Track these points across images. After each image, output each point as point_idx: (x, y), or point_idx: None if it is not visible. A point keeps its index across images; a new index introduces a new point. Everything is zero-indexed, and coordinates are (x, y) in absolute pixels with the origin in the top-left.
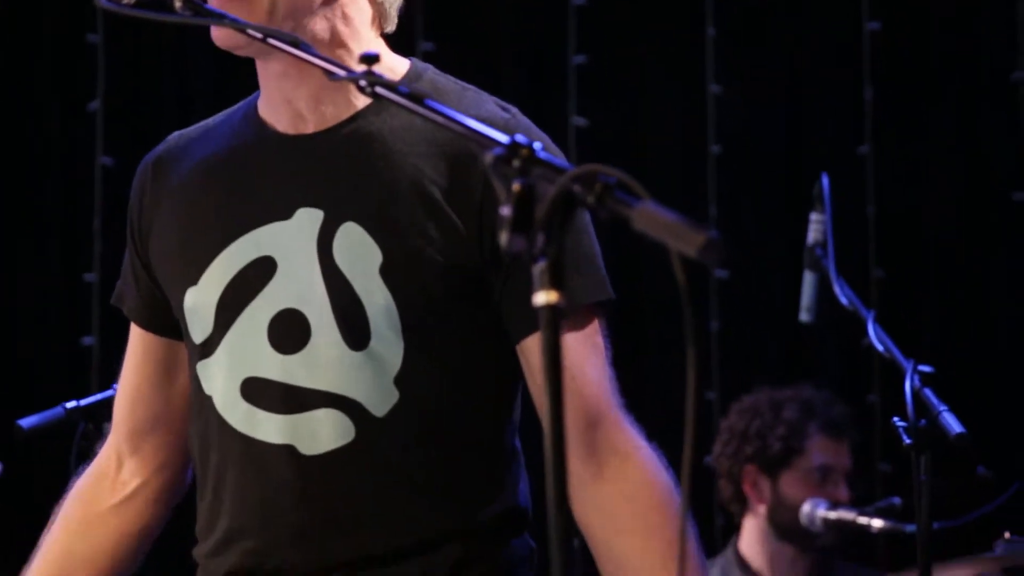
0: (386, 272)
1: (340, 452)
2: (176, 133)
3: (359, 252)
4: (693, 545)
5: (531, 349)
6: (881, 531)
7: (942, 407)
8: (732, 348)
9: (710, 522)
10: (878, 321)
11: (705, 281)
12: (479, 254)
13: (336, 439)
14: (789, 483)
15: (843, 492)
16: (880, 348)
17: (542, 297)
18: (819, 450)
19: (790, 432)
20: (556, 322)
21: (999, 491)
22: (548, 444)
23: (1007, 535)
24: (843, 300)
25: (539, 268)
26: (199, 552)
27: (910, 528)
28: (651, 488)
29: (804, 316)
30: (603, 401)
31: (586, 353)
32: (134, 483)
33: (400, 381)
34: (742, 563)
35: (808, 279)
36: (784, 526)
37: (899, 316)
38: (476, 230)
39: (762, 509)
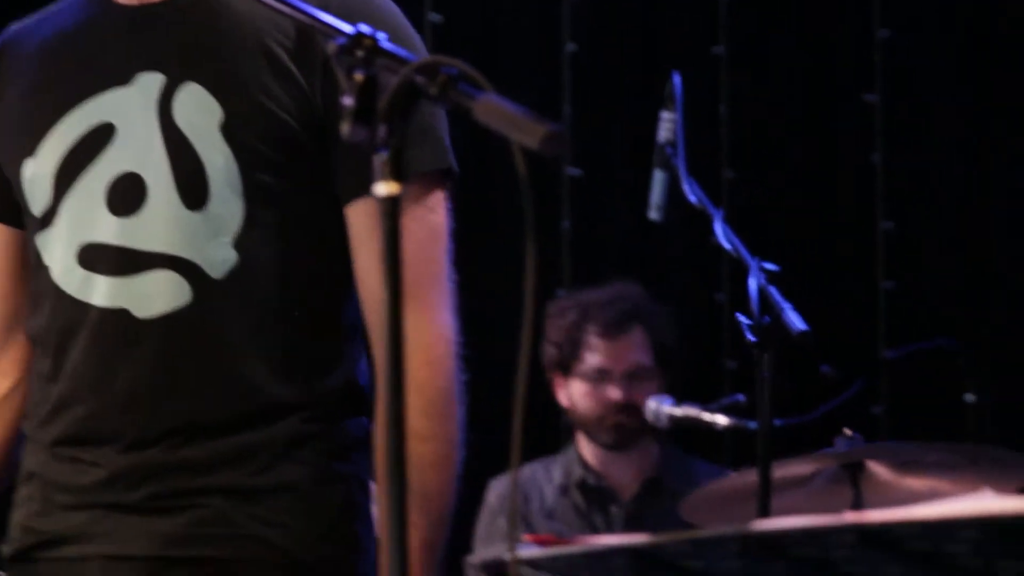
0: (227, 130)
1: (175, 315)
2: (14, 25)
3: (200, 112)
4: (447, 449)
5: (354, 214)
6: (726, 428)
7: (786, 305)
8: (584, 246)
9: None
10: (727, 220)
11: (557, 179)
12: (322, 113)
13: (171, 301)
14: (575, 387)
15: (615, 393)
16: (727, 246)
17: (382, 188)
18: (594, 352)
19: (567, 338)
20: (395, 213)
21: (842, 389)
22: (386, 335)
23: (847, 432)
24: (692, 198)
25: (380, 159)
26: (28, 426)
27: (753, 425)
28: (430, 348)
29: (653, 214)
30: (416, 276)
31: (412, 225)
32: (5, 384)
33: (239, 243)
34: (582, 460)
35: (657, 177)
36: (582, 426)
37: (748, 216)
38: (319, 89)
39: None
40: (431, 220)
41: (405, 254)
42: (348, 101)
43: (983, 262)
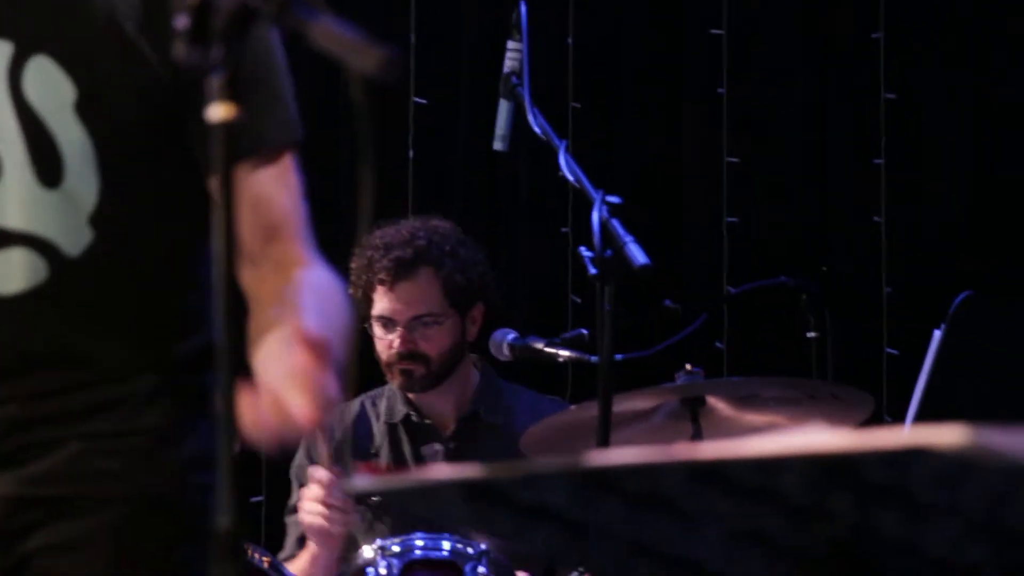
0: (80, 109)
1: (32, 293)
2: None
3: (51, 88)
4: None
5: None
6: (568, 360)
7: (628, 238)
8: (426, 177)
9: None
10: (573, 153)
11: (405, 109)
12: (174, 88)
13: (28, 279)
14: (373, 330)
15: (397, 342)
16: (570, 178)
17: (216, 111)
18: (380, 299)
19: (358, 285)
20: (230, 139)
21: (685, 324)
22: (217, 284)
23: (688, 367)
24: (536, 129)
25: (215, 81)
26: None
27: (595, 359)
28: (320, 274)
29: (498, 144)
30: (288, 222)
31: (276, 185)
32: None
33: (95, 220)
34: (404, 396)
35: (503, 107)
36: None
37: (594, 149)
38: (171, 63)
39: None
40: (291, 182)
41: (276, 208)
42: (182, 22)
43: (827, 198)
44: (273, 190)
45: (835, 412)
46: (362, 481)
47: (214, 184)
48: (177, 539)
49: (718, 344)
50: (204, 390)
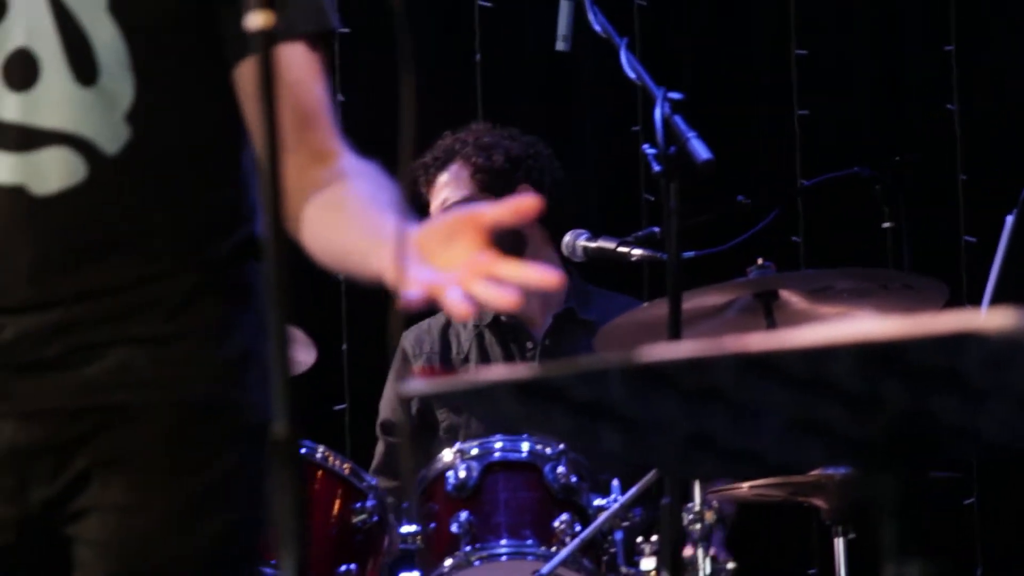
0: (113, 7)
1: (71, 191)
2: None
3: None
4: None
5: (244, 75)
6: (639, 259)
7: (691, 134)
8: (495, 77)
9: None
10: (639, 49)
11: (471, 12)
12: None
13: (66, 178)
14: None
15: None
16: (632, 76)
17: (254, 19)
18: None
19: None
20: (269, 46)
21: (758, 219)
22: (263, 182)
23: (760, 261)
24: (596, 28)
25: None
26: None
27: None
28: (361, 167)
29: (560, 45)
30: (321, 110)
31: (308, 72)
32: None
33: (131, 117)
34: None
35: (564, 7)
36: None
37: (660, 44)
38: None
39: None
40: (321, 72)
41: (309, 94)
42: None
43: (898, 86)
44: (306, 76)
45: (909, 302)
46: (417, 384)
47: (244, 72)
48: (231, 440)
49: (794, 238)
50: (248, 284)
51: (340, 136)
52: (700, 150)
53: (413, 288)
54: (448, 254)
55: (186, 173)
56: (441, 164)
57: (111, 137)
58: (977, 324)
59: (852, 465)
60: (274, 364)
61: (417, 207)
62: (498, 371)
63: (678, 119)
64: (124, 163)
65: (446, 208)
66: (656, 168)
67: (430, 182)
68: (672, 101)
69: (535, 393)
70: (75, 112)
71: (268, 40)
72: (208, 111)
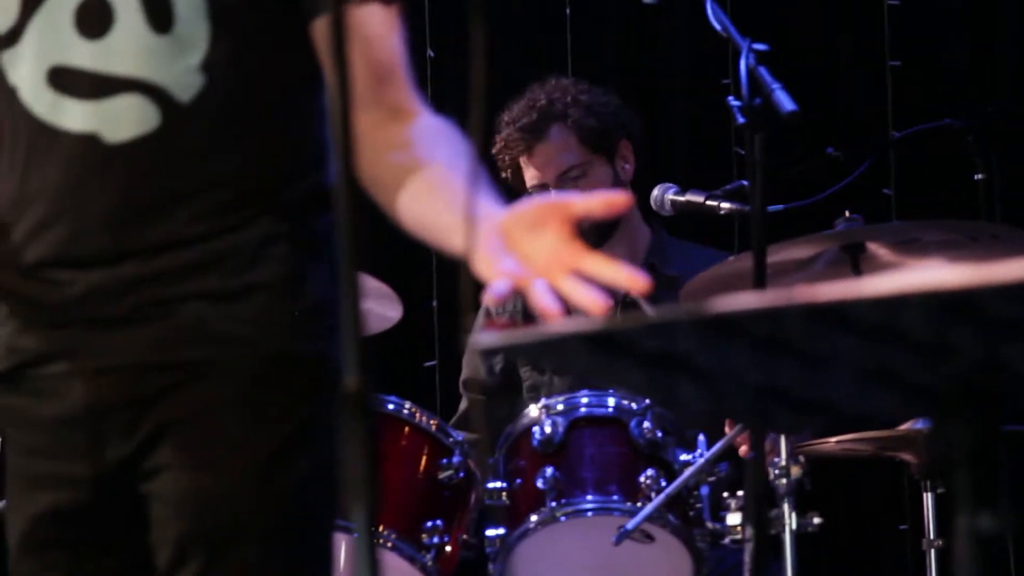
0: None
1: (144, 139)
2: None
3: None
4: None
5: (320, 30)
6: (728, 212)
7: (775, 85)
8: (583, 35)
9: None
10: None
11: None
12: None
13: (139, 125)
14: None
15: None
16: (718, 27)
17: None
18: (527, 170)
19: (507, 167)
20: (342, 19)
21: (849, 171)
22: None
23: (847, 213)
24: None
25: None
26: (1, 250)
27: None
28: (439, 127)
29: None
30: (396, 64)
31: (385, 26)
32: None
33: (206, 66)
34: None
35: None
36: None
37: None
38: None
39: None
40: (399, 27)
41: (387, 49)
42: None
43: (991, 35)
44: (383, 31)
45: (998, 253)
46: (488, 337)
47: (320, 27)
48: (306, 393)
49: (885, 190)
50: (321, 233)
51: (417, 92)
52: (785, 101)
53: (499, 280)
54: (535, 244)
55: (259, 123)
56: (540, 128)
57: (185, 85)
58: None
59: (924, 416)
60: (345, 317)
61: (491, 167)
62: (569, 323)
63: (763, 70)
64: (197, 111)
65: (562, 174)
66: (741, 120)
67: (530, 147)
68: (757, 52)
69: (606, 345)
70: (149, 59)
71: (342, 14)
72: (283, 62)
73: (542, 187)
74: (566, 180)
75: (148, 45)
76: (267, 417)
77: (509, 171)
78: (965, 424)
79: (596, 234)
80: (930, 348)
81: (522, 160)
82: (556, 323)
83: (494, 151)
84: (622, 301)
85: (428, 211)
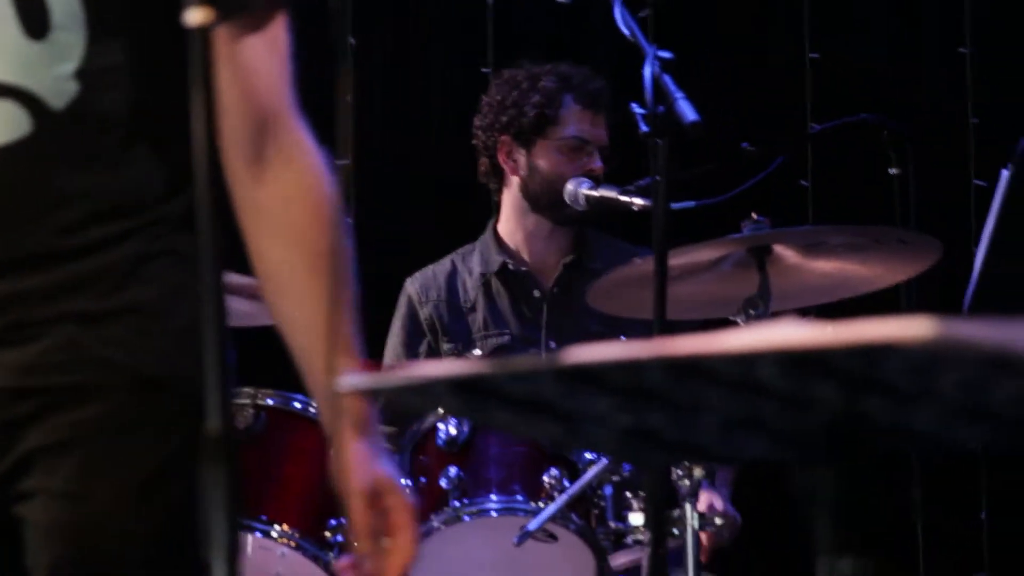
0: None
1: (15, 146)
2: None
3: None
4: (347, 256)
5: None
6: (642, 209)
7: (679, 94)
8: (504, 26)
9: None
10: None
11: None
12: None
13: (9, 132)
14: (543, 152)
15: (596, 163)
16: (626, 32)
17: (192, 16)
18: (574, 120)
19: (546, 101)
20: (206, 44)
21: (764, 166)
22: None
23: (754, 216)
24: None
25: None
26: None
27: (675, 206)
28: (308, 195)
29: None
30: (276, 102)
31: (263, 51)
32: None
33: (81, 74)
34: (499, 242)
35: None
36: (537, 196)
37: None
38: None
39: (516, 180)
40: (279, 47)
41: (265, 83)
42: None
43: (911, 33)
44: (260, 61)
45: (902, 257)
46: (353, 379)
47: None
48: (180, 415)
49: (803, 182)
50: (193, 250)
51: (297, 118)
52: (687, 111)
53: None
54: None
55: (136, 136)
56: (601, 101)
57: (58, 92)
58: (897, 334)
59: (791, 460)
60: (208, 355)
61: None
62: (434, 367)
63: (667, 78)
64: (71, 120)
65: (602, 149)
66: (644, 128)
67: (595, 108)
68: (662, 60)
69: (471, 390)
70: (22, 65)
71: (204, 38)
72: (161, 72)
73: (584, 143)
74: (600, 155)
75: (21, 51)
76: (139, 443)
77: (544, 106)
78: (827, 471)
79: (562, 219)
80: (790, 399)
81: (581, 111)
82: (422, 366)
83: (534, 85)
84: (549, 293)
85: (288, 338)
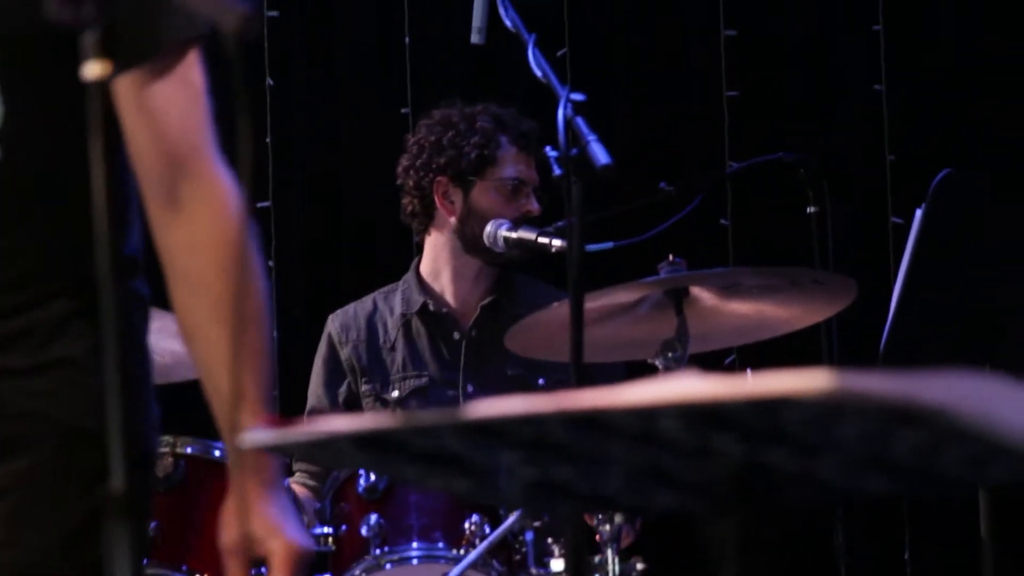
0: None
1: None
2: None
3: None
4: (256, 303)
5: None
6: (560, 250)
7: (591, 137)
8: (421, 66)
9: None
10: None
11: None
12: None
13: None
14: (482, 193)
15: (533, 204)
16: (538, 74)
17: (91, 69)
18: (511, 162)
19: (484, 141)
20: (105, 96)
21: (683, 206)
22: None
23: (671, 258)
24: (507, 22)
25: (89, 37)
26: None
27: (591, 248)
28: (215, 241)
29: (475, 38)
30: (189, 143)
31: (174, 93)
32: None
33: (2, 139)
34: (421, 282)
35: (478, 1)
36: (475, 238)
37: (590, 27)
38: None
39: (452, 221)
40: (191, 86)
41: (172, 126)
42: None
43: (827, 70)
44: (171, 103)
45: (818, 298)
46: (255, 435)
47: (118, 97)
48: (105, 470)
49: (723, 221)
50: (123, 307)
51: (214, 157)
52: (599, 154)
53: None
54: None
55: (58, 196)
56: (534, 143)
57: None
58: (794, 388)
59: (699, 510)
60: (110, 414)
61: None
62: (338, 422)
63: (580, 121)
64: None
65: (535, 189)
66: (557, 171)
67: (529, 150)
68: (574, 103)
69: (376, 445)
70: None
71: (103, 90)
72: (81, 135)
73: (522, 184)
74: (536, 190)
75: None
76: (67, 495)
77: (483, 147)
78: (733, 520)
79: (500, 262)
80: (692, 452)
81: (516, 153)
82: (326, 421)
83: (471, 125)
84: (467, 335)
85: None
